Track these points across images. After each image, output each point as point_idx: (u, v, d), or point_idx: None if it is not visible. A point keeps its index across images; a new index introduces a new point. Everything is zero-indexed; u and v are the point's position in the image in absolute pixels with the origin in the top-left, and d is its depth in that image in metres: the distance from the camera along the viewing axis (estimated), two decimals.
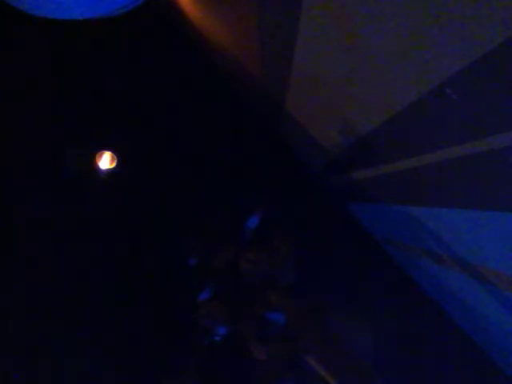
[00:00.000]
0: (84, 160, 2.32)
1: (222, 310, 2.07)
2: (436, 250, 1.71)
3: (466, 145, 0.97)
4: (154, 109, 2.46)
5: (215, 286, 2.13)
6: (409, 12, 0.77)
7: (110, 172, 2.36)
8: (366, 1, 0.85)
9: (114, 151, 2.35)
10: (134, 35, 2.42)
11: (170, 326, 2.23)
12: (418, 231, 1.72)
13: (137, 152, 2.42)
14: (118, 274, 2.29)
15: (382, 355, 2.04)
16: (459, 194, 1.22)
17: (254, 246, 2.13)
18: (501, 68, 0.69)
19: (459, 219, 1.32)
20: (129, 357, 2.14)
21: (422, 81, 0.91)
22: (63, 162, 2.30)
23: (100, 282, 2.28)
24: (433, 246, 1.70)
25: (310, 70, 1.44)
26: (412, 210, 1.64)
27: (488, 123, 0.85)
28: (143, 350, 2.17)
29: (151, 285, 2.29)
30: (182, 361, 2.16)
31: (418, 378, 2.14)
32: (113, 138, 2.38)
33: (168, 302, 2.26)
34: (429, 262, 1.89)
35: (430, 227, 1.61)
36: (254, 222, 2.14)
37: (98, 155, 2.33)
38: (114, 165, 2.36)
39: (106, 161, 2.35)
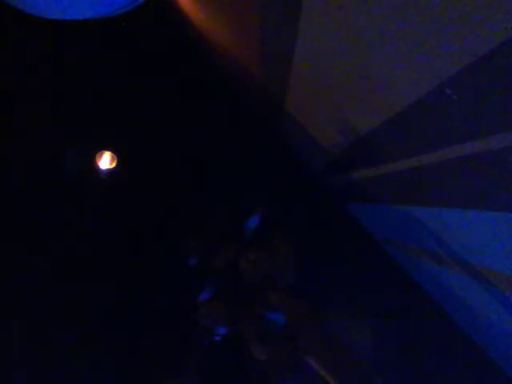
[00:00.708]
0: (84, 160, 2.32)
1: (222, 310, 2.07)
2: (436, 250, 1.71)
3: (466, 145, 0.97)
4: (154, 109, 2.46)
5: (215, 286, 2.13)
6: (409, 12, 0.77)
7: (109, 172, 2.36)
8: (366, 1, 0.85)
9: (114, 151, 2.36)
10: (133, 35, 2.43)
11: (170, 326, 2.22)
12: (418, 231, 1.72)
13: (137, 152, 2.42)
14: (117, 273, 2.29)
15: (382, 355, 2.03)
16: (459, 194, 1.22)
17: (254, 245, 2.13)
18: (501, 68, 0.69)
19: (459, 219, 1.32)
20: (129, 357, 2.14)
21: (421, 81, 0.91)
22: (63, 161, 2.30)
23: (100, 282, 2.28)
24: (433, 246, 1.70)
25: (310, 70, 1.44)
26: (412, 209, 1.64)
27: (488, 123, 0.85)
28: (143, 350, 2.16)
29: (151, 285, 2.29)
30: (182, 361, 2.16)
31: (417, 378, 2.14)
32: (113, 138, 2.39)
33: (168, 302, 2.26)
34: (429, 262, 1.89)
35: (430, 227, 1.60)
36: (254, 221, 2.14)
37: (97, 155, 2.33)
38: (113, 165, 2.36)
39: (105, 161, 2.35)
